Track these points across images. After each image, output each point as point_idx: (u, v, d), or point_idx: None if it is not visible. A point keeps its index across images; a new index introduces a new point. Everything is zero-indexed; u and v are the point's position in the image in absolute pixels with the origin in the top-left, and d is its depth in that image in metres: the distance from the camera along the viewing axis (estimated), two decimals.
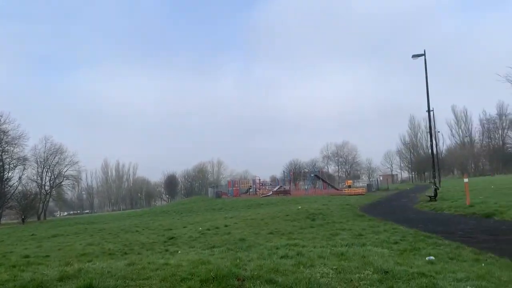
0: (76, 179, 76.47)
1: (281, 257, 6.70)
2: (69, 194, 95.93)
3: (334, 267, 5.55)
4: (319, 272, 5.23)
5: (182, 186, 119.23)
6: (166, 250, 10.55)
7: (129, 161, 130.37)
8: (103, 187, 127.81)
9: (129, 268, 6.03)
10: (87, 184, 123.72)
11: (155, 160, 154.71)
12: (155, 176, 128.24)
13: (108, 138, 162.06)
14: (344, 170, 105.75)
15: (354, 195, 38.98)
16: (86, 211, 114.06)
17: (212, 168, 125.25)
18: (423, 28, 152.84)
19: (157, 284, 4.88)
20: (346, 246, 8.25)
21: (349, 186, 57.01)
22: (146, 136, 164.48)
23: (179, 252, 9.87)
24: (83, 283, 4.76)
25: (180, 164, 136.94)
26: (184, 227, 18.70)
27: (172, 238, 13.86)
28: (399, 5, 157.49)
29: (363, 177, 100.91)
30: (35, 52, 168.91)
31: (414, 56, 26.67)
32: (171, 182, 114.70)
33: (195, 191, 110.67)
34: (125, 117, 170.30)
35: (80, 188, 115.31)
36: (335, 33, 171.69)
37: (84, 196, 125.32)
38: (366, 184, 57.09)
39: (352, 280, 4.89)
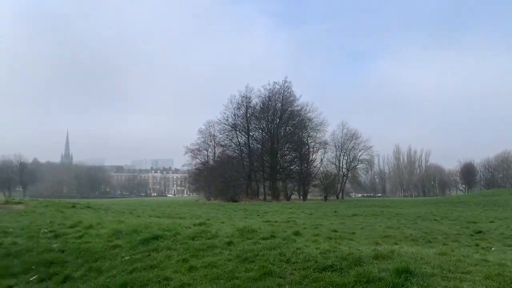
0: (369, 163, 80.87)
1: None
2: (363, 177, 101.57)
3: None
4: None
5: (482, 176, 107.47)
6: (477, 245, 9.58)
7: (421, 147, 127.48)
8: (395, 172, 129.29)
9: (441, 258, 5.70)
10: (379, 169, 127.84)
11: (449, 148, 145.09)
12: (449, 164, 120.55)
13: (400, 123, 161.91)
14: None
15: None
16: (378, 195, 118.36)
17: None
18: None
19: (482, 282, 4.39)
20: None
21: None
22: (439, 122, 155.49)
23: (493, 249, 8.75)
24: (400, 266, 4.74)
25: (478, 152, 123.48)
26: (490, 221, 16.74)
27: (479, 232, 12.57)
28: None
29: None
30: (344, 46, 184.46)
31: None
32: (468, 171, 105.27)
33: (498, 182, 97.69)
34: (418, 102, 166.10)
35: (372, 172, 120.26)
36: None
37: (377, 180, 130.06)
38: None
39: None
